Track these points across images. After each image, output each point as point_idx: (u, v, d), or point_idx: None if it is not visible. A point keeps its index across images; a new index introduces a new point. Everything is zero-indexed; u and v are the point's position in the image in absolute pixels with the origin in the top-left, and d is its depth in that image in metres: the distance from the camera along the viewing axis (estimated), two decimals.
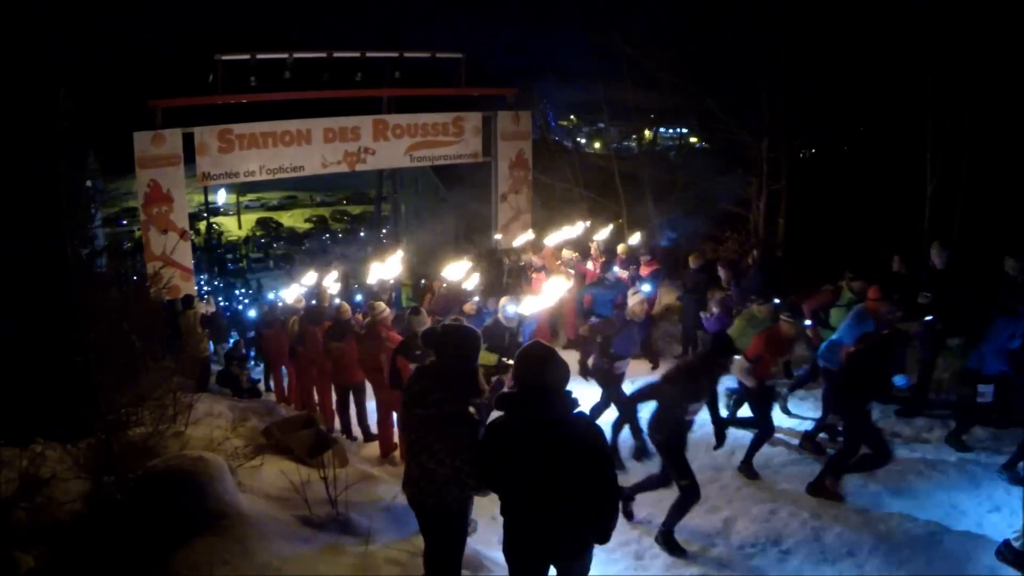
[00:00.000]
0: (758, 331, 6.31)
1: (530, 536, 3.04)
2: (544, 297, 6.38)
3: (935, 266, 7.28)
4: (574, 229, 10.58)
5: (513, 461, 3.00)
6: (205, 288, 24.28)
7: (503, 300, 6.73)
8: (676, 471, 4.87)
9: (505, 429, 3.05)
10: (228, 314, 18.74)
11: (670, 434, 4.90)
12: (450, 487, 3.27)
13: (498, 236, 14.00)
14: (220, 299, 23.83)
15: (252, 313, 15.39)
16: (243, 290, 28.43)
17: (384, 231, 30.06)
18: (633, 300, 6.53)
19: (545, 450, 2.91)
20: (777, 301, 6.67)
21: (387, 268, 9.58)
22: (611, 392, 6.50)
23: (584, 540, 3.11)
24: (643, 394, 5.16)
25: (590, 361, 8.69)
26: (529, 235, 11.75)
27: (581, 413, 3.05)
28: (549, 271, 9.81)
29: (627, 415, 6.30)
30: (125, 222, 31.15)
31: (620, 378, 6.59)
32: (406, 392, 3.51)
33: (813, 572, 4.53)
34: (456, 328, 3.51)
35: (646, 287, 7.64)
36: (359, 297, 9.65)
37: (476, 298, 7.89)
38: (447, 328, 3.52)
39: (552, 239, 10.70)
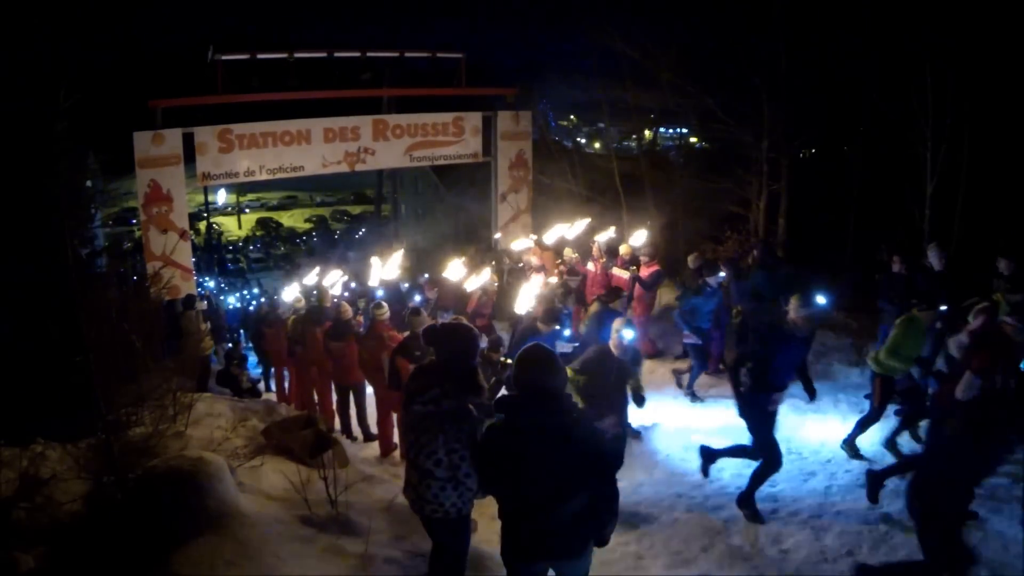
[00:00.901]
0: (917, 336, 5.63)
1: (529, 539, 3.04)
2: (527, 299, 6.20)
3: (932, 267, 7.28)
4: (573, 229, 10.54)
5: (513, 464, 2.99)
6: (208, 284, 24.29)
7: (617, 323, 5.35)
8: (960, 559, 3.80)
9: (505, 432, 3.04)
10: (235, 317, 18.75)
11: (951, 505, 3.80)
12: (447, 490, 3.27)
13: (498, 236, 14.01)
14: (224, 300, 23.90)
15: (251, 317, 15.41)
16: (247, 291, 28.46)
17: (362, 232, 29.89)
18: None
19: (545, 454, 2.90)
20: (943, 307, 5.75)
21: (389, 268, 9.61)
22: (760, 435, 5.15)
23: (583, 543, 3.11)
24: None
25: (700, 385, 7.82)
26: (526, 239, 11.49)
27: (581, 417, 3.04)
28: (548, 271, 9.79)
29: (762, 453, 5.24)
30: (135, 220, 31.06)
31: (773, 417, 5.18)
32: (405, 390, 3.52)
33: (813, 572, 4.52)
34: (455, 326, 3.58)
35: (821, 299, 5.75)
36: (380, 292, 9.51)
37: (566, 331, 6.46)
38: (446, 326, 3.57)
39: (551, 238, 10.68)
